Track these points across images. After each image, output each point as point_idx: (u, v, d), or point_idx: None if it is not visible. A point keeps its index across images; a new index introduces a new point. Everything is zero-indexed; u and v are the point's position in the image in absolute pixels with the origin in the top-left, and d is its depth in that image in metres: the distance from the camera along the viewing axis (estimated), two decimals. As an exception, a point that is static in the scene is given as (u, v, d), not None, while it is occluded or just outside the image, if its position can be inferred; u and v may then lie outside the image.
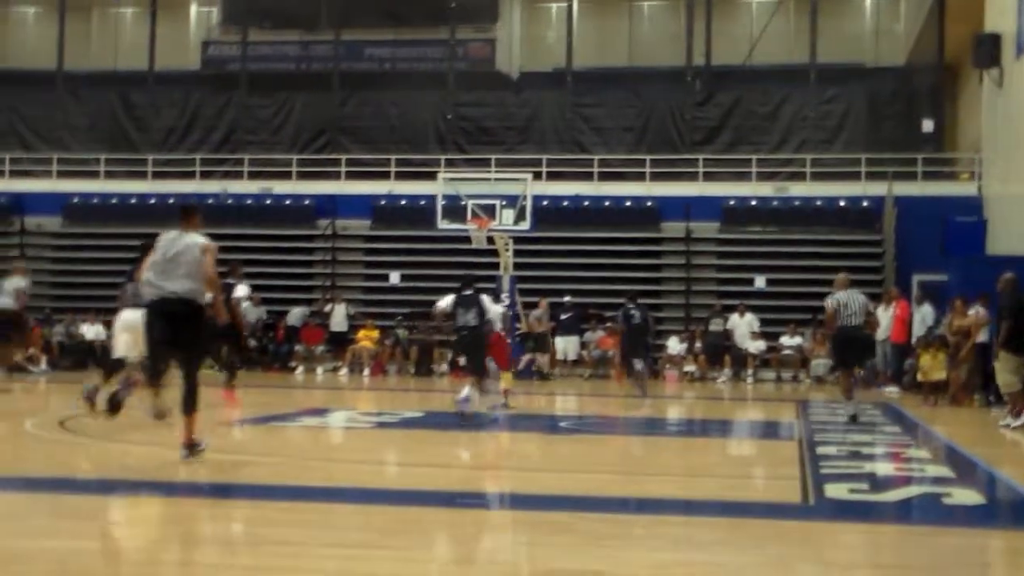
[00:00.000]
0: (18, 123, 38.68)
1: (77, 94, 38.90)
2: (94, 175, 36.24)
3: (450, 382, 28.46)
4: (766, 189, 33.80)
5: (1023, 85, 26.25)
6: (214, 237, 11.95)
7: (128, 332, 14.71)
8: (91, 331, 30.98)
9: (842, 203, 32.95)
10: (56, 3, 39.43)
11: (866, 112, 35.40)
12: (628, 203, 33.92)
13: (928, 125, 34.13)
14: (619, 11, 40.50)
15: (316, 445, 14.92)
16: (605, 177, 34.53)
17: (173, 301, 11.24)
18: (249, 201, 34.83)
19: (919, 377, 23.16)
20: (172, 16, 41.03)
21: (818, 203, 32.96)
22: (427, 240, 31.90)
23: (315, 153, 36.86)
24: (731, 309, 30.63)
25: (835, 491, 10.38)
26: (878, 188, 32.40)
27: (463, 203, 28.73)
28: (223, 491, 10.37)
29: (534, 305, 29.99)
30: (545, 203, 31.85)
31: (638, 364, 21.53)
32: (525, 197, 28.72)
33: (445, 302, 17.67)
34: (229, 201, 34.24)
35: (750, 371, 29.96)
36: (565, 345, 29.99)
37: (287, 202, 35.17)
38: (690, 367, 30.16)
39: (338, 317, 31.42)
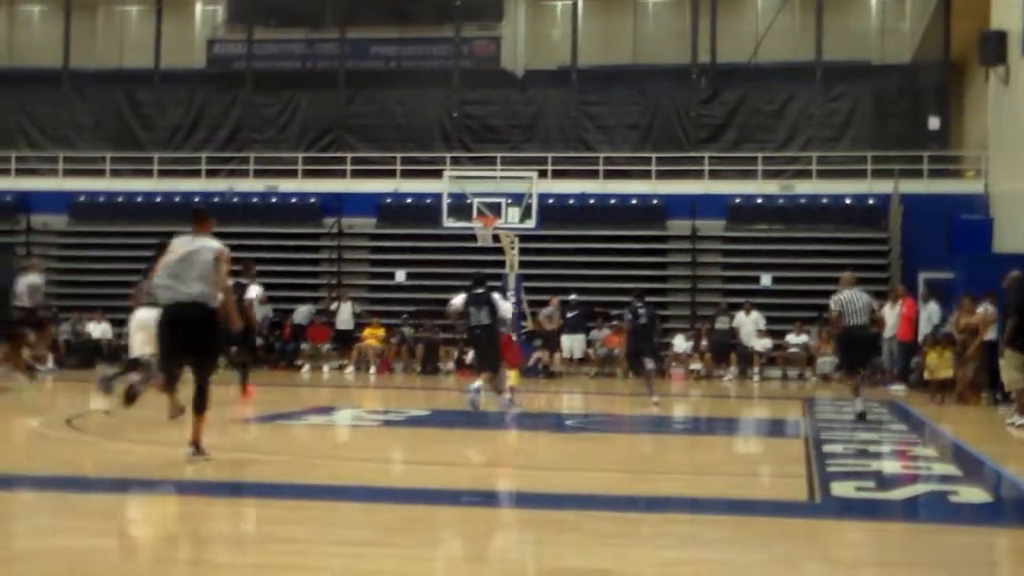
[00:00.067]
0: (24, 121, 38.69)
1: (83, 92, 38.92)
2: (100, 173, 36.25)
3: (456, 380, 28.50)
4: (772, 187, 33.76)
5: (1029, 82, 26.23)
6: (220, 235, 11.97)
7: (143, 331, 14.73)
8: (97, 329, 31.03)
9: (848, 201, 32.91)
10: (62, 1, 39.44)
11: (872, 110, 35.35)
12: (633, 201, 33.90)
13: (934, 123, 34.05)
14: (624, 9, 40.46)
15: (322, 443, 14.93)
16: (610, 175, 34.50)
17: (187, 305, 11.27)
18: (255, 199, 34.83)
19: (925, 375, 23.13)
20: (178, 14, 41.04)
21: (824, 201, 32.92)
22: (433, 238, 31.88)
23: (321, 151, 36.86)
24: (737, 307, 30.60)
25: (841, 489, 10.38)
26: (884, 186, 32.35)
27: (469, 201, 28.71)
28: (229, 489, 10.38)
29: (541, 303, 29.99)
30: (550, 201, 31.81)
31: (649, 363, 21.33)
32: (530, 195, 28.69)
33: (458, 301, 17.59)
34: (235, 199, 34.25)
35: (756, 369, 29.94)
36: (571, 343, 29.96)
37: (293, 200, 35.17)
38: (696, 365, 30.14)
39: (344, 315, 31.44)
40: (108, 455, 12.73)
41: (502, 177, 30.76)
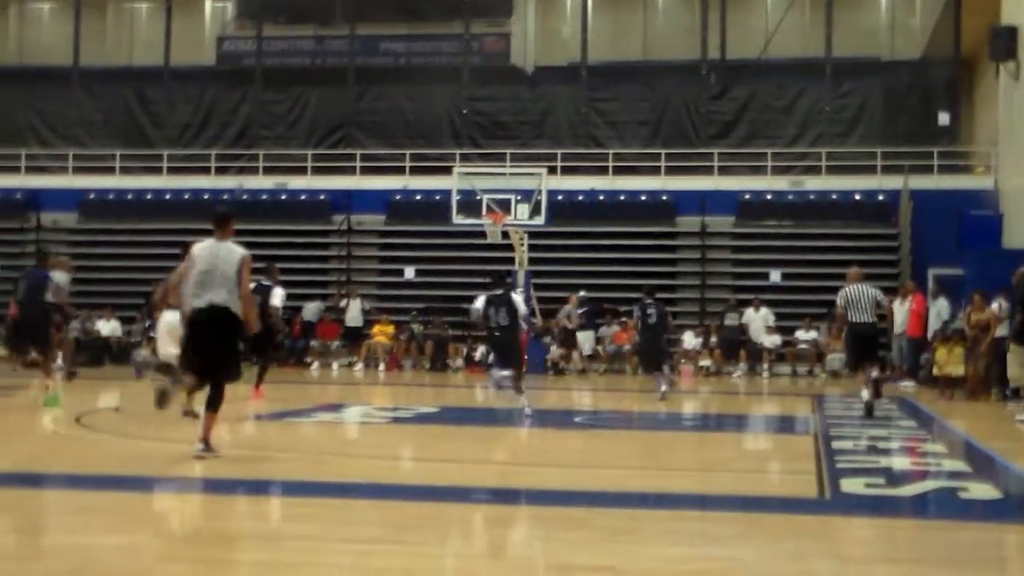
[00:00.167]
0: (34, 119, 38.73)
1: (92, 90, 38.96)
2: (110, 171, 36.30)
3: (465, 377, 28.54)
4: (781, 183, 33.71)
5: (1040, 78, 26.19)
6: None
7: (170, 333, 14.75)
8: (107, 327, 31.08)
9: (858, 197, 32.86)
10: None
11: (882, 106, 35.27)
12: (643, 197, 33.87)
13: (944, 118, 33.98)
14: (634, 5, 40.41)
15: (331, 440, 14.94)
16: (620, 171, 34.48)
17: (212, 310, 11.42)
18: (264, 196, 34.86)
19: (935, 371, 23.10)
20: (187, 12, 41.06)
21: (833, 197, 32.87)
22: (442, 235, 31.91)
23: (330, 148, 36.87)
24: (746, 303, 30.59)
25: (851, 486, 10.38)
26: (894, 182, 32.31)
27: (478, 198, 28.72)
28: (239, 487, 10.39)
29: (551, 300, 29.99)
30: (560, 197, 31.82)
31: (661, 380, 21.25)
32: (540, 191, 28.69)
33: (478, 304, 17.41)
34: (244, 196, 34.26)
35: (765, 365, 29.93)
36: (581, 340, 29.96)
37: (302, 197, 35.20)
38: (705, 362, 30.12)
39: (353, 312, 31.48)
40: (117, 452, 12.75)
41: (511, 173, 30.72)
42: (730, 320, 30.43)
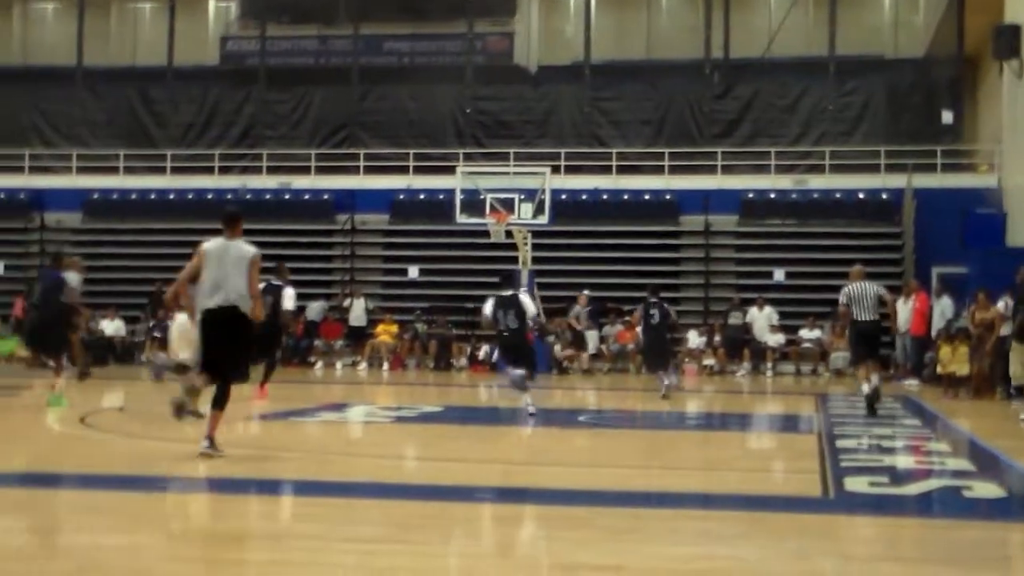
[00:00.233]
0: (38, 119, 38.75)
1: (96, 90, 38.98)
2: (113, 171, 36.30)
3: (469, 376, 28.54)
4: (785, 182, 33.69)
5: (1043, 76, 26.17)
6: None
7: (182, 336, 14.77)
8: (111, 327, 31.08)
9: (861, 195, 32.83)
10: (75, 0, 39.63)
11: (885, 104, 35.24)
12: (646, 196, 33.85)
13: (948, 117, 33.95)
14: (637, 4, 40.42)
15: (335, 440, 14.94)
16: (623, 170, 34.46)
17: (224, 309, 11.53)
18: (268, 196, 34.86)
19: (939, 370, 23.09)
20: (191, 11, 41.10)
21: (837, 195, 32.84)
22: (446, 234, 31.93)
23: (334, 148, 36.86)
24: (750, 302, 30.57)
25: (855, 484, 10.38)
26: (897, 180, 32.29)
27: (481, 197, 28.72)
28: (242, 486, 10.39)
29: (554, 299, 30.00)
30: (563, 197, 31.80)
31: (665, 380, 21.29)
32: (543, 191, 28.70)
33: (488, 309, 17.36)
34: (248, 196, 34.25)
35: (769, 364, 29.91)
36: (574, 337, 29.96)
37: (306, 197, 35.21)
38: (709, 361, 30.10)
39: (357, 312, 31.47)
40: (122, 452, 12.77)
41: (515, 173, 30.72)
42: (734, 319, 30.43)
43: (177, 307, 15.04)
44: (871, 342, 18.32)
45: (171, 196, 35.38)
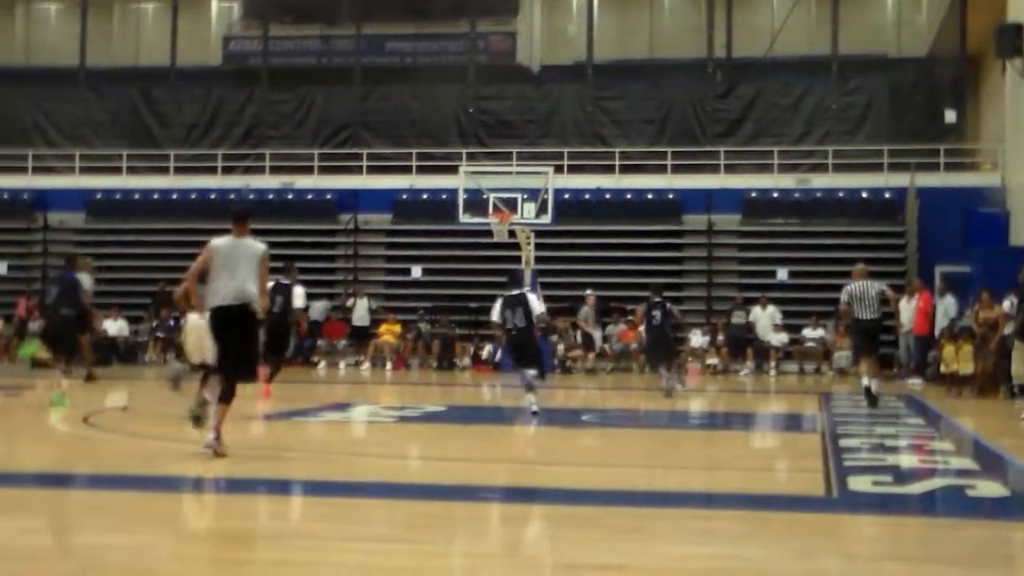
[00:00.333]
0: (41, 119, 38.77)
1: (99, 90, 39.01)
2: (116, 171, 36.33)
3: (472, 376, 28.54)
4: (788, 181, 33.69)
5: (1046, 75, 26.14)
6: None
7: (198, 336, 14.76)
8: (114, 327, 31.07)
9: (864, 194, 32.81)
10: (78, 0, 39.57)
11: (888, 103, 35.22)
12: (649, 196, 33.83)
13: (950, 116, 33.92)
14: (639, 3, 40.42)
15: (339, 439, 14.95)
16: (626, 170, 34.46)
17: (234, 308, 11.67)
18: (271, 196, 34.86)
19: (942, 369, 23.08)
20: (193, 12, 41.13)
21: (840, 195, 32.82)
22: (448, 234, 31.93)
23: (336, 147, 36.86)
24: (753, 302, 30.55)
25: (858, 484, 10.38)
26: (900, 179, 32.26)
27: (484, 197, 28.71)
28: (246, 486, 10.40)
29: (557, 299, 30.00)
30: (566, 196, 31.81)
31: (664, 376, 21.42)
32: (546, 190, 28.68)
33: (496, 308, 17.30)
34: (251, 196, 34.23)
35: (772, 364, 29.89)
36: (583, 338, 29.95)
37: (309, 197, 35.20)
38: (712, 360, 30.10)
39: (360, 311, 31.47)
40: (125, 452, 12.78)
41: (518, 172, 30.69)
42: (737, 318, 30.41)
43: (187, 306, 14.98)
44: (872, 339, 18.56)
45: (174, 196, 35.40)
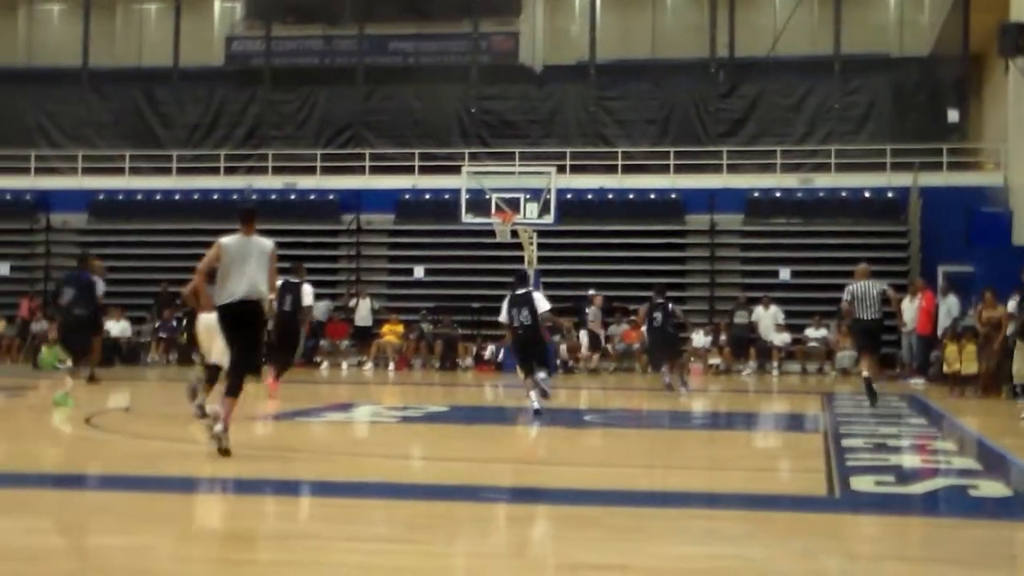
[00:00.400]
0: (44, 120, 38.80)
1: (102, 91, 39.03)
2: (119, 172, 36.36)
3: (475, 376, 28.53)
4: (790, 181, 33.68)
5: (1049, 74, 26.12)
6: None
7: (211, 337, 14.79)
8: (116, 328, 31.07)
9: (867, 194, 32.80)
10: (81, 0, 39.59)
11: (891, 103, 35.20)
12: (652, 196, 33.83)
13: (953, 115, 33.90)
14: (642, 3, 40.41)
15: (341, 440, 14.94)
16: (629, 170, 34.47)
17: (244, 303, 11.81)
18: (273, 196, 34.86)
19: (945, 369, 23.07)
20: (196, 12, 41.15)
21: (843, 194, 32.81)
22: (451, 234, 31.94)
23: (339, 148, 36.87)
24: (756, 301, 30.53)
25: (861, 484, 10.37)
26: (903, 179, 32.26)
27: (487, 197, 28.71)
28: (248, 486, 10.40)
29: (560, 299, 29.97)
30: (569, 196, 31.81)
31: (666, 377, 21.62)
32: (549, 190, 28.67)
33: (503, 307, 17.47)
34: (253, 196, 34.23)
35: (775, 364, 29.88)
36: (590, 338, 29.95)
37: (311, 197, 35.22)
38: (715, 360, 30.09)
39: (363, 312, 31.47)
40: (127, 452, 12.78)
41: (520, 172, 30.71)
42: (739, 318, 30.40)
43: (196, 304, 15.00)
44: (873, 339, 18.71)
45: (177, 197, 35.43)
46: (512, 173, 30.70)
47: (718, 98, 35.95)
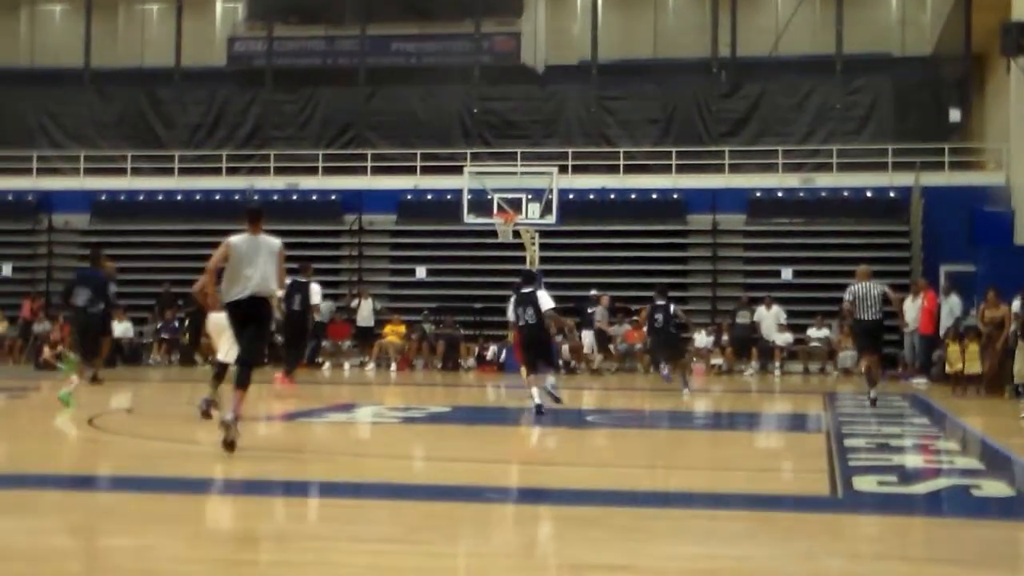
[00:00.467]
0: (45, 121, 38.79)
1: (104, 92, 39.03)
2: (121, 172, 36.36)
3: (477, 376, 28.53)
4: (792, 180, 33.67)
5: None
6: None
7: (219, 334, 14.82)
8: (119, 328, 31.02)
9: (869, 194, 32.80)
10: (83, 1, 39.60)
11: (893, 102, 35.18)
12: (654, 196, 33.82)
13: (955, 115, 33.90)
14: (644, 3, 40.39)
15: (343, 441, 14.95)
16: (631, 170, 34.46)
17: (254, 299, 12.09)
18: (275, 197, 34.83)
19: (947, 368, 23.06)
20: (198, 12, 41.14)
21: (845, 194, 32.80)
22: (453, 235, 31.93)
23: (341, 148, 36.87)
24: (758, 301, 30.53)
25: (863, 484, 10.36)
26: (905, 179, 32.25)
27: (489, 197, 28.69)
28: (251, 487, 10.40)
29: (562, 299, 29.96)
30: (571, 196, 31.79)
31: (665, 370, 21.92)
32: (551, 190, 28.66)
33: (510, 305, 17.93)
34: (255, 197, 34.17)
35: (777, 363, 29.88)
36: (591, 339, 29.94)
37: (313, 197, 35.21)
38: (717, 360, 30.09)
39: (364, 312, 31.46)
40: (130, 453, 12.78)
41: (522, 172, 30.71)
42: (742, 318, 30.39)
43: (205, 302, 15.03)
44: (874, 339, 18.80)
45: (179, 197, 35.44)
46: (514, 173, 30.71)
47: (720, 98, 35.93)
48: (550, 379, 17.61)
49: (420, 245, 33.47)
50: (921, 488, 10.46)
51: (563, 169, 31.54)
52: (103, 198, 35.79)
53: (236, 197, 33.40)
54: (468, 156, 33.90)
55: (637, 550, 7.60)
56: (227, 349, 14.52)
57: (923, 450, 13.82)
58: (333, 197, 34.93)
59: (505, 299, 17.81)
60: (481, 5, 38.09)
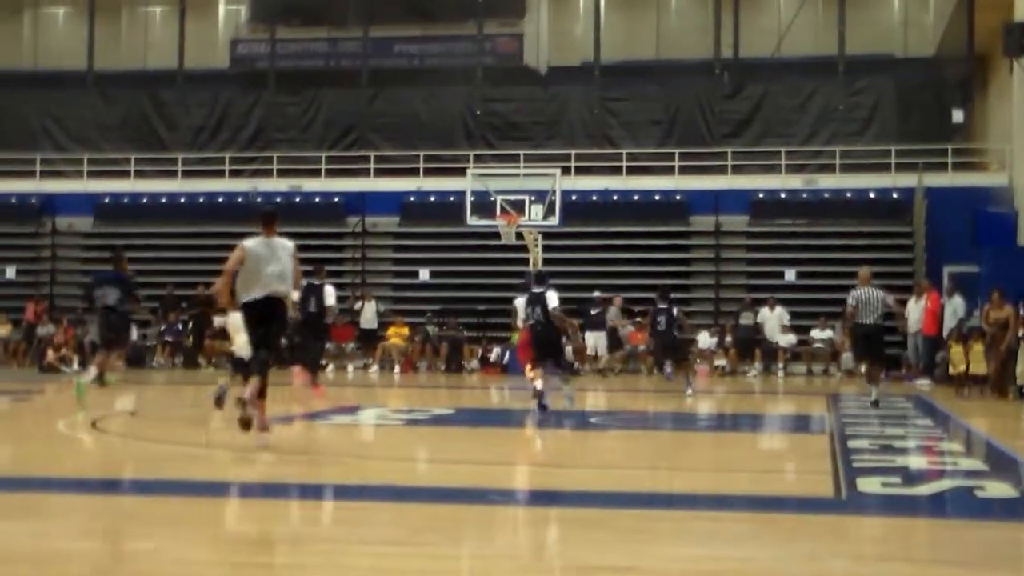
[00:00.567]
0: (49, 123, 38.85)
1: (107, 94, 39.08)
2: (124, 175, 36.40)
3: (480, 378, 28.53)
4: (795, 181, 33.68)
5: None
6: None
7: (237, 331, 14.82)
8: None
9: (872, 195, 32.80)
10: (86, 3, 39.63)
11: (895, 103, 35.19)
12: (657, 197, 33.83)
13: (958, 115, 33.91)
14: (646, 4, 40.40)
15: (348, 443, 14.95)
16: (633, 171, 34.48)
17: (269, 300, 12.37)
18: (278, 199, 34.82)
19: (950, 370, 23.06)
20: (201, 15, 41.16)
21: (848, 195, 32.81)
22: (456, 236, 31.95)
23: (344, 150, 36.90)
24: (761, 303, 30.55)
25: (867, 485, 10.36)
26: (908, 179, 32.25)
27: (492, 199, 28.71)
28: (256, 490, 10.41)
29: (566, 300, 29.95)
30: (573, 198, 31.80)
31: (668, 368, 22.09)
32: (554, 192, 28.68)
33: (519, 302, 18.69)
34: (258, 199, 34.28)
35: (781, 365, 29.89)
36: (595, 340, 29.95)
37: (316, 200, 35.24)
38: (720, 361, 30.10)
39: (368, 314, 31.47)
40: (134, 456, 12.79)
41: (525, 174, 30.75)
42: (745, 319, 30.41)
43: (228, 301, 15.01)
44: (872, 344, 18.80)
45: (182, 200, 35.48)
46: (517, 175, 30.75)
47: (722, 99, 35.95)
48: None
49: (423, 247, 33.49)
50: (925, 490, 10.45)
51: (566, 170, 31.58)
52: (106, 201, 35.85)
53: (239, 199, 33.46)
54: (471, 158, 33.91)
55: (641, 551, 7.60)
56: (243, 343, 14.54)
57: (927, 451, 13.81)
58: (336, 199, 34.96)
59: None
60: (483, 6, 38.11)
